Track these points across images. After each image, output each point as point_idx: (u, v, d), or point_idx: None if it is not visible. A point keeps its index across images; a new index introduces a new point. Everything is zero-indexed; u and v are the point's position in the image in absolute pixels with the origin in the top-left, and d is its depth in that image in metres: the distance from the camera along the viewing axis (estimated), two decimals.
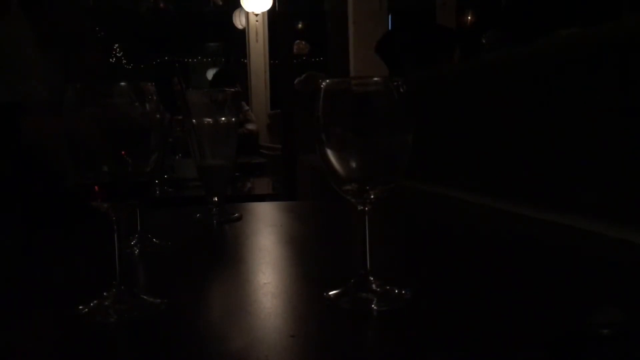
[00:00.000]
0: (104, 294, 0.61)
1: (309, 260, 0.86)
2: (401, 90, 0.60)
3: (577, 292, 0.64)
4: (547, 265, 0.76)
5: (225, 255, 0.86)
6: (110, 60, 9.06)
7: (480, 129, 1.78)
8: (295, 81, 5.84)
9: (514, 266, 0.76)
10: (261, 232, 1.04)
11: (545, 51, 1.49)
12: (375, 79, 0.60)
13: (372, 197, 0.61)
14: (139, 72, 9.82)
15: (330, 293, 0.62)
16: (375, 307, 0.59)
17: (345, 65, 5.08)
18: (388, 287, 0.62)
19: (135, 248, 0.83)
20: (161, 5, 9.81)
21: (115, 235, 0.61)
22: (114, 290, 0.61)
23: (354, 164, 0.61)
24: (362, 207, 0.62)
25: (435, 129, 2.11)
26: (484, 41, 3.07)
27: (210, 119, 1.20)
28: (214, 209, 1.19)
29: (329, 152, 0.60)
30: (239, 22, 7.44)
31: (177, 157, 2.36)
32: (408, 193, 2.02)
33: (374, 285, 0.61)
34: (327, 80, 0.60)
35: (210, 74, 9.94)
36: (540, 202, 1.44)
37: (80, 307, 0.60)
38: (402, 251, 0.86)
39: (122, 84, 0.61)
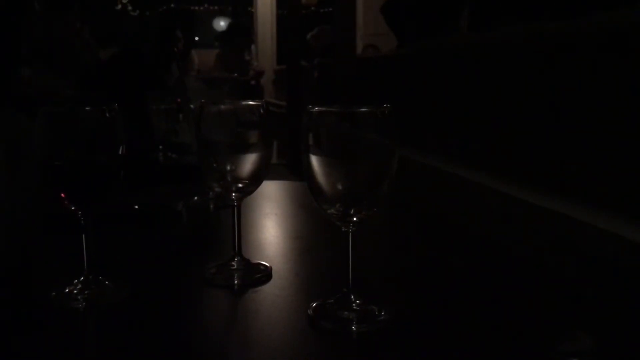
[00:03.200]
0: (74, 281, 0.70)
1: (301, 261, 0.89)
2: (387, 115, 0.61)
3: (551, 316, 0.66)
4: (526, 283, 0.78)
5: (216, 252, 0.89)
6: (116, 8, 8.93)
7: (484, 106, 1.77)
8: (308, 36, 5.78)
9: (489, 286, 0.78)
10: (255, 224, 1.06)
11: (560, 32, 1.47)
12: (362, 108, 0.61)
13: (355, 219, 0.63)
14: (145, 19, 9.68)
15: (313, 307, 0.65)
16: (354, 329, 0.62)
17: (351, 19, 4.97)
18: (368, 307, 0.64)
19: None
20: None
21: (83, 231, 0.70)
22: (83, 278, 0.71)
23: (339, 187, 0.62)
24: (345, 229, 0.64)
25: (437, 102, 2.10)
26: None
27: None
28: (211, 193, 1.21)
29: (315, 175, 0.62)
30: None
31: (180, 117, 2.35)
32: (409, 168, 2.03)
33: (354, 305, 0.64)
34: (315, 108, 0.61)
35: (217, 23, 9.76)
36: (539, 187, 1.45)
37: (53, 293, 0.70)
38: (386, 265, 0.88)
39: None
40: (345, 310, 0.64)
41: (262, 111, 0.76)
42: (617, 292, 0.74)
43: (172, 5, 10.28)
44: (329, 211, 0.63)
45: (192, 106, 1.36)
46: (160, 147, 2.04)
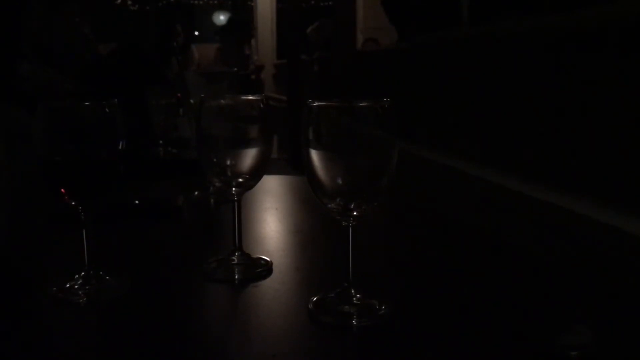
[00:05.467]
0: (75, 276, 0.70)
1: (301, 256, 0.89)
2: (387, 109, 0.61)
3: (551, 310, 0.66)
4: (527, 277, 0.78)
5: (216, 247, 0.89)
6: (115, 2, 8.91)
7: (485, 100, 1.77)
8: (308, 30, 5.77)
9: (490, 280, 0.78)
10: (256, 219, 1.06)
11: (561, 24, 1.46)
12: (362, 102, 0.61)
13: (355, 214, 0.63)
14: (144, 14, 9.64)
15: (313, 301, 0.65)
16: (355, 323, 0.62)
17: (351, 13, 4.95)
18: (369, 301, 0.65)
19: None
20: None
21: (84, 226, 0.70)
22: (83, 273, 0.70)
23: (339, 181, 0.62)
24: (346, 223, 0.64)
25: (437, 96, 2.10)
26: None
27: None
28: (211, 188, 1.21)
29: (315, 170, 0.62)
30: None
31: (180, 111, 2.34)
32: (410, 161, 2.03)
33: (354, 299, 0.64)
34: (315, 102, 0.61)
35: (217, 17, 9.73)
36: (539, 181, 1.45)
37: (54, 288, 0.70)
38: (387, 259, 0.89)
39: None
40: (345, 305, 0.64)
41: (262, 106, 0.76)
42: (618, 285, 0.74)
43: (172, 0, 10.23)
44: (329, 205, 0.63)
45: (192, 101, 1.36)
46: (161, 142, 2.03)
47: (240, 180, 0.76)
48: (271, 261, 0.79)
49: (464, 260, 0.84)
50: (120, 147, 0.70)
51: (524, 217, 1.37)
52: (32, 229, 1.02)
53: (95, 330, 0.65)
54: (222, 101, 0.79)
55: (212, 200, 1.20)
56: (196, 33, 9.30)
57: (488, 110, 1.73)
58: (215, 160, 0.75)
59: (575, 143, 1.32)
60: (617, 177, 1.19)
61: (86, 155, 0.69)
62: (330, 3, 8.64)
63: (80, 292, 0.69)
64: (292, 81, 4.76)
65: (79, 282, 0.70)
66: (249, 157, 0.76)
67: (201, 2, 10.76)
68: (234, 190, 0.77)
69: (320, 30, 5.61)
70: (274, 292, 0.71)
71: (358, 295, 0.65)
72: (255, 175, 0.76)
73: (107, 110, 0.68)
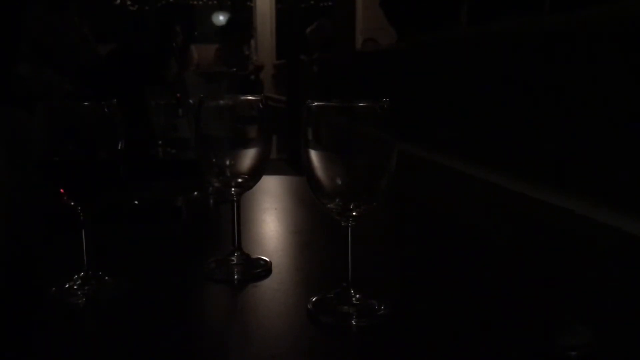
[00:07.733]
0: (74, 277, 0.70)
1: (301, 256, 0.89)
2: (386, 109, 0.61)
3: (551, 310, 0.66)
4: (527, 277, 0.78)
5: (215, 247, 0.89)
6: (114, 3, 8.92)
7: (484, 101, 1.77)
8: (307, 30, 5.76)
9: (489, 280, 0.78)
10: (255, 219, 1.06)
11: (560, 25, 1.46)
12: (361, 102, 0.61)
13: (354, 214, 0.63)
14: (143, 15, 9.64)
15: (312, 301, 0.65)
16: (354, 323, 0.62)
17: (351, 13, 4.94)
18: (368, 301, 0.65)
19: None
20: None
21: (83, 227, 0.70)
22: (82, 274, 0.71)
23: (338, 181, 0.62)
24: (345, 224, 0.64)
25: (436, 96, 2.10)
26: None
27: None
28: (211, 188, 1.21)
29: (314, 170, 0.62)
30: None
31: (179, 112, 2.34)
32: (407, 161, 2.03)
33: (353, 299, 0.64)
34: (314, 102, 0.61)
35: (216, 18, 9.73)
36: (538, 181, 1.45)
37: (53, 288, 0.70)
38: (386, 259, 0.89)
39: None
40: (344, 305, 0.64)
41: (261, 106, 0.76)
42: (617, 285, 0.74)
43: (171, 0, 10.23)
44: (328, 206, 0.63)
45: (191, 101, 1.36)
46: (160, 142, 2.03)
47: (240, 180, 0.76)
48: (270, 261, 0.79)
49: (464, 260, 0.84)
50: (119, 148, 0.70)
51: (524, 217, 1.37)
52: (31, 229, 1.02)
53: (94, 331, 0.65)
54: (222, 101, 0.79)
55: (211, 201, 1.20)
56: (195, 33, 9.29)
57: (488, 110, 1.73)
58: (214, 160, 0.75)
59: (575, 144, 1.32)
60: (617, 178, 1.19)
61: (85, 155, 0.69)
62: (330, 3, 8.65)
63: (79, 293, 0.69)
64: (291, 81, 4.76)
65: (78, 283, 0.70)
66: (248, 157, 0.76)
67: (200, 3, 10.75)
68: (233, 191, 0.77)
69: (319, 31, 5.60)
70: (273, 292, 0.71)
71: (357, 296, 0.65)
72: (255, 175, 0.76)
73: (106, 110, 0.68)
